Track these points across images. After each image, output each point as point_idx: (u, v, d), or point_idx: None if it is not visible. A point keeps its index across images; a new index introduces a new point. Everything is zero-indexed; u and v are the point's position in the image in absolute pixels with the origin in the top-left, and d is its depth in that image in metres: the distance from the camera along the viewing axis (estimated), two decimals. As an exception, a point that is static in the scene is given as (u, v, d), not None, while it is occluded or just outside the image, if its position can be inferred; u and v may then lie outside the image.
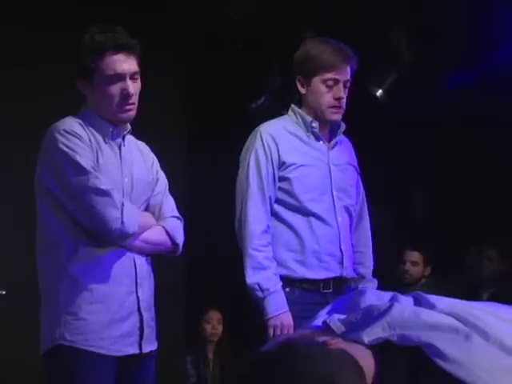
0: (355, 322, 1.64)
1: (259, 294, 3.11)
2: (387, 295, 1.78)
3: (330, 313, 1.76)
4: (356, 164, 3.43)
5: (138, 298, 2.70)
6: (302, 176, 3.21)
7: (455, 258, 5.30)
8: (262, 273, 3.11)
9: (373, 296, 1.77)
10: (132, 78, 2.69)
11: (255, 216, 3.15)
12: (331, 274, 3.19)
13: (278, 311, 3.10)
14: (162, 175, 2.90)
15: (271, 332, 3.09)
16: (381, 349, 1.59)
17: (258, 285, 3.10)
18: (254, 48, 5.62)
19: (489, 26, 5.11)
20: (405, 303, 1.71)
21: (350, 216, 3.33)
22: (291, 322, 3.10)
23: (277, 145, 3.20)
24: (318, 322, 1.71)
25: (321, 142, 3.31)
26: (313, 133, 3.28)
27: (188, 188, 5.72)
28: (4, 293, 4.66)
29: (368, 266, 3.41)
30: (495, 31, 5.13)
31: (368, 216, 3.46)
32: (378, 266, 3.47)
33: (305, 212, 3.19)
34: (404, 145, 5.58)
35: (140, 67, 2.73)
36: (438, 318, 1.62)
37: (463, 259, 5.39)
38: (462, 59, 5.35)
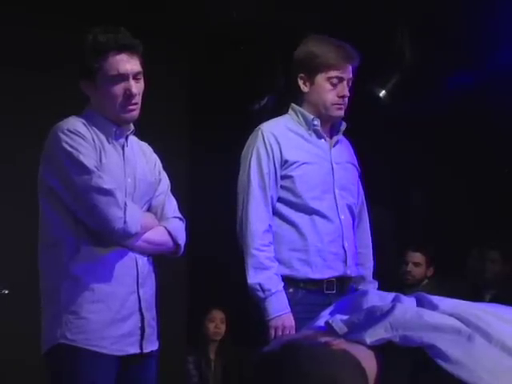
0: (357, 322, 1.64)
1: (260, 294, 3.09)
2: (390, 296, 1.78)
3: (332, 313, 1.76)
4: (356, 164, 3.42)
5: (139, 297, 2.70)
6: (304, 174, 3.19)
7: (457, 259, 5.30)
8: (264, 273, 3.09)
9: (375, 297, 1.77)
10: (135, 78, 2.69)
11: (257, 215, 3.13)
12: (335, 273, 3.18)
13: (280, 312, 3.09)
14: (164, 176, 2.90)
15: (272, 333, 3.07)
16: (383, 349, 1.59)
17: (260, 285, 3.08)
18: (257, 48, 5.62)
19: (490, 27, 5.12)
20: (407, 304, 1.71)
21: (353, 215, 3.32)
22: (293, 323, 3.08)
23: (279, 143, 3.19)
24: (321, 322, 1.71)
25: (322, 139, 3.29)
26: (314, 131, 3.27)
27: (190, 188, 5.72)
28: (7, 292, 4.66)
29: (368, 266, 3.39)
30: (497, 32, 5.14)
31: (368, 217, 3.44)
32: (380, 267, 3.47)
33: (308, 210, 3.18)
34: (406, 145, 5.58)
35: (143, 67, 2.73)
36: (441, 319, 1.62)
37: (465, 260, 5.39)
38: (464, 60, 5.36)
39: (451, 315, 1.63)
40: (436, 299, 1.71)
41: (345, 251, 3.20)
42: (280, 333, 3.06)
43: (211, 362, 5.56)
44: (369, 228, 3.44)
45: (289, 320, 3.09)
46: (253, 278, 3.10)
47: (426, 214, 5.81)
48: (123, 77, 2.66)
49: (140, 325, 2.70)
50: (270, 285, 3.08)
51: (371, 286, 3.34)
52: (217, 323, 5.60)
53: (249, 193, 3.16)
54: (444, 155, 5.63)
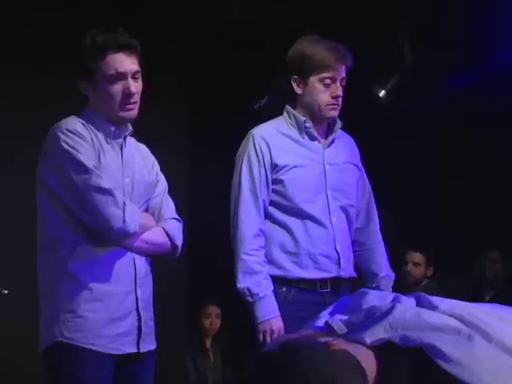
0: (357, 322, 1.64)
1: (249, 298, 3.09)
2: (389, 296, 1.78)
3: (332, 313, 1.76)
4: (358, 162, 3.38)
5: (136, 297, 2.70)
6: (295, 177, 3.18)
7: (457, 259, 5.30)
8: (253, 277, 3.09)
9: (375, 297, 1.77)
10: (133, 77, 2.69)
11: (247, 220, 3.14)
12: (328, 275, 3.16)
13: (268, 316, 3.08)
14: (162, 177, 2.90)
15: (261, 337, 3.08)
16: (383, 350, 1.59)
17: (248, 289, 3.08)
18: (257, 48, 5.62)
19: (490, 27, 5.12)
20: (407, 304, 1.71)
21: (348, 216, 3.29)
22: (281, 326, 3.07)
23: (269, 147, 3.18)
24: (320, 322, 1.71)
25: (315, 141, 3.27)
26: (307, 133, 3.25)
27: (190, 188, 5.73)
28: (7, 292, 4.66)
29: (378, 262, 3.34)
30: (497, 32, 5.14)
31: (377, 213, 3.42)
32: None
33: (299, 214, 3.16)
34: (405, 145, 5.58)
35: (141, 67, 2.73)
36: (440, 319, 1.62)
37: (465, 260, 5.39)
38: (464, 60, 5.36)
39: (451, 315, 1.63)
40: (436, 299, 1.71)
41: (338, 254, 3.19)
42: (268, 337, 3.06)
43: (208, 352, 5.63)
44: (378, 224, 3.40)
45: (277, 324, 3.08)
46: (242, 282, 3.10)
47: (426, 214, 5.81)
48: (122, 76, 2.66)
49: (137, 324, 2.69)
50: (258, 289, 3.08)
51: (387, 282, 3.32)
52: (212, 319, 5.66)
53: (240, 197, 3.17)
54: (444, 155, 5.63)
